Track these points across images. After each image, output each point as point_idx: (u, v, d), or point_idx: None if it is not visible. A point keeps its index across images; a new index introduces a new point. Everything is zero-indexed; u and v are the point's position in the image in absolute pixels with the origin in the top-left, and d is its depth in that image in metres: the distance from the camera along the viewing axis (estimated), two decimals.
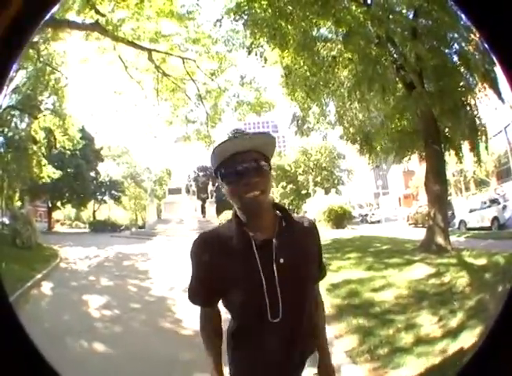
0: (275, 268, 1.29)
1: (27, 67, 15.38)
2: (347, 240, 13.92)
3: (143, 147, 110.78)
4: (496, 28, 0.74)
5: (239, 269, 1.30)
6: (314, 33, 10.26)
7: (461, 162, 11.43)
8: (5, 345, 0.77)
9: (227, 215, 20.58)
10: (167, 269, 10.06)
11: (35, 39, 12.84)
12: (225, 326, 1.47)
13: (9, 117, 18.10)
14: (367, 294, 5.95)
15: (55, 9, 10.27)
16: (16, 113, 18.47)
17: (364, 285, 6.43)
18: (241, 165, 1.30)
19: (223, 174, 1.34)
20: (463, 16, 6.12)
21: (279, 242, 1.34)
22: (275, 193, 42.45)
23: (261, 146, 1.36)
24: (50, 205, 32.83)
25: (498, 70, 7.29)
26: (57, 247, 15.17)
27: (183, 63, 15.61)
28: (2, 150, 18.72)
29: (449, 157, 10.94)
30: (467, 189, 28.71)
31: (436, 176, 9.55)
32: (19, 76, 15.95)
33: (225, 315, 1.45)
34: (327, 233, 17.14)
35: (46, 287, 8.22)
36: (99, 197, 40.85)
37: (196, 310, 1.48)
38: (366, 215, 36.04)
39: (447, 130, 10.50)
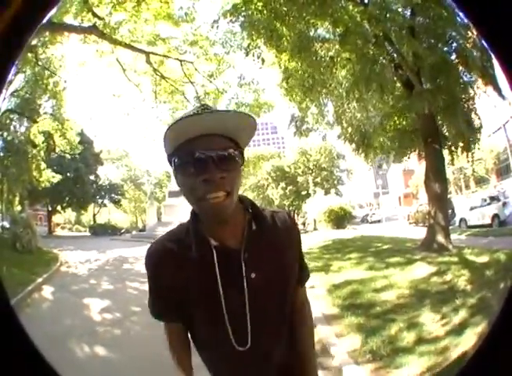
0: (245, 285, 1.05)
1: (25, 71, 15.43)
2: (348, 240, 13.92)
3: (143, 150, 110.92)
4: (494, 25, 0.73)
5: (195, 287, 1.07)
6: (311, 33, 10.29)
7: (455, 161, 11.46)
8: (6, 349, 0.77)
9: None
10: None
11: (33, 42, 12.85)
12: None
13: (7, 121, 18.13)
14: (369, 294, 5.94)
15: (52, 12, 10.28)
16: (15, 116, 18.50)
17: (365, 285, 6.42)
18: (201, 153, 0.97)
19: (177, 163, 1.03)
20: (460, 13, 6.13)
21: (249, 251, 1.07)
22: (275, 194, 42.43)
23: (233, 128, 1.02)
24: (50, 209, 32.90)
25: (496, 67, 7.32)
26: (57, 250, 15.20)
27: (181, 65, 15.62)
28: (1, 153, 18.75)
29: (449, 155, 10.93)
30: (467, 187, 28.81)
31: (436, 175, 9.56)
32: (17, 79, 16.02)
33: None
34: (328, 234, 17.13)
35: (47, 291, 8.22)
36: (99, 201, 40.96)
37: None
38: (367, 215, 36.08)
39: (445, 128, 10.51)
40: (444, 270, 6.61)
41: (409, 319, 4.55)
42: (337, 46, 9.87)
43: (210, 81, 16.14)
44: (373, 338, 4.10)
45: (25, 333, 0.81)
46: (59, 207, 33.37)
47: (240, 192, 1.10)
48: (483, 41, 0.95)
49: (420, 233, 11.61)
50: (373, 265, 7.95)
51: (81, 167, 30.72)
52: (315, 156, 42.75)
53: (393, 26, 8.89)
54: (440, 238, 9.06)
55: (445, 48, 9.63)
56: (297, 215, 38.56)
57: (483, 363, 0.75)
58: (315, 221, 26.95)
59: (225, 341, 1.05)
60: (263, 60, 10.58)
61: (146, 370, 3.90)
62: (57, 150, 19.00)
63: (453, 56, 9.59)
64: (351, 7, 9.21)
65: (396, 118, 10.88)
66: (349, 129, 12.99)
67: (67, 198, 31.50)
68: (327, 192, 33.32)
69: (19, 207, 22.06)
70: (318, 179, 40.94)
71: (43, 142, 18.37)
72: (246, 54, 10.55)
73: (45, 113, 18.22)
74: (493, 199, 15.63)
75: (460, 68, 9.47)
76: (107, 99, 42.31)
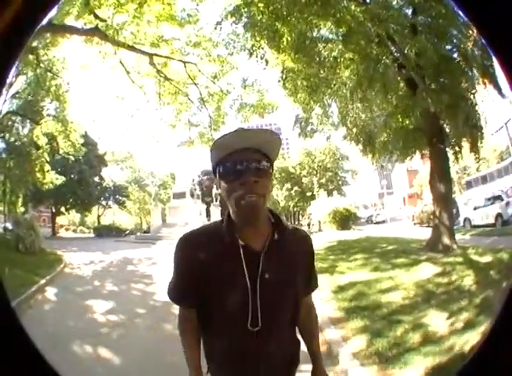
0: (258, 283, 1.23)
1: (26, 73, 15.48)
2: (353, 241, 13.88)
3: (147, 152, 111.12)
4: (494, 24, 0.73)
5: (225, 273, 1.25)
6: (314, 34, 10.27)
7: (459, 160, 11.41)
8: (7, 350, 0.76)
9: None
10: (172, 274, 9.94)
11: (35, 44, 12.90)
12: None
13: (10, 123, 18.20)
14: (374, 295, 5.92)
15: (53, 13, 10.31)
16: (18, 118, 18.56)
17: (371, 286, 6.40)
18: (241, 163, 1.21)
19: (221, 172, 1.26)
20: (460, 12, 6.11)
21: (268, 256, 1.26)
22: (280, 195, 42.48)
23: (265, 144, 1.26)
24: (54, 210, 32.99)
25: (497, 65, 7.30)
26: (61, 252, 15.20)
27: (185, 66, 15.66)
28: (4, 155, 18.83)
29: (453, 155, 10.89)
30: None
31: (441, 175, 9.52)
32: (19, 81, 16.07)
33: None
34: (333, 235, 17.10)
35: (50, 293, 8.22)
36: (104, 202, 41.12)
37: None
38: (371, 215, 36.03)
39: (449, 128, 10.47)
40: (449, 271, 6.59)
41: (415, 320, 4.54)
42: (340, 46, 9.85)
43: (214, 83, 16.18)
44: (379, 339, 4.08)
45: (26, 334, 0.81)
46: (63, 209, 33.50)
47: None
48: (483, 40, 0.94)
49: (424, 233, 11.57)
50: (378, 266, 7.93)
51: (85, 169, 30.85)
52: (320, 157, 42.84)
53: (395, 25, 8.88)
54: (445, 239, 9.02)
55: (448, 47, 9.61)
56: (302, 216, 38.58)
57: (484, 362, 0.75)
58: (319, 222, 26.93)
59: (240, 322, 1.24)
60: (267, 61, 10.57)
61: (149, 372, 3.90)
62: (61, 151, 19.05)
63: (455, 55, 9.58)
64: (353, 7, 9.18)
65: (400, 118, 10.83)
66: (354, 130, 12.96)
67: (71, 200, 31.61)
68: (331, 193, 33.22)
69: (22, 209, 22.15)
70: (323, 180, 40.97)
71: (46, 144, 18.43)
72: (250, 55, 10.55)
73: (48, 115, 18.29)
74: (496, 198, 15.57)
75: (463, 66, 9.44)
76: (111, 100, 42.43)
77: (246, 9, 9.89)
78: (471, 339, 3.58)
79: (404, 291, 5.83)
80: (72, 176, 28.85)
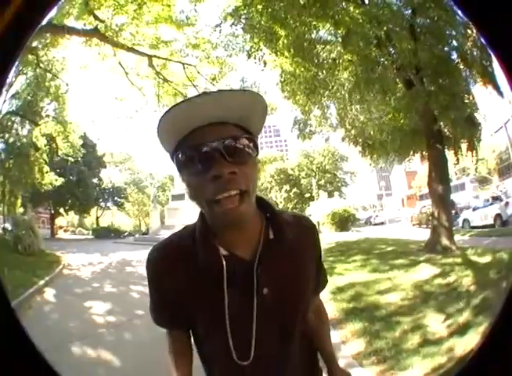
0: (255, 302, 0.92)
1: (26, 73, 15.45)
2: (352, 242, 13.87)
3: (146, 153, 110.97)
4: (494, 24, 0.73)
5: (198, 300, 0.95)
6: (313, 35, 10.29)
7: (458, 162, 11.45)
8: (7, 351, 0.76)
9: None
10: None
11: (34, 44, 12.89)
12: None
13: (9, 123, 18.15)
14: (373, 296, 5.92)
15: (53, 13, 10.31)
16: (17, 119, 18.51)
17: (370, 288, 6.40)
18: (207, 145, 0.83)
19: (180, 160, 0.88)
20: (459, 11, 6.13)
21: (264, 264, 0.93)
22: (279, 197, 42.42)
23: (242, 113, 0.87)
24: (53, 212, 32.89)
25: (496, 66, 7.31)
26: (60, 253, 15.17)
27: (184, 68, 15.64)
28: (3, 156, 18.77)
29: (453, 156, 10.91)
30: None
31: (439, 176, 9.52)
32: (19, 82, 16.03)
33: None
34: (332, 236, 17.10)
35: (49, 294, 8.20)
36: (102, 204, 40.94)
37: None
38: (370, 216, 36.01)
39: (447, 129, 10.48)
40: (448, 271, 6.60)
41: (414, 321, 4.54)
42: (339, 48, 9.87)
43: (213, 84, 16.14)
44: (378, 340, 4.09)
45: (26, 335, 0.81)
46: (61, 210, 33.39)
47: None
48: (482, 40, 0.94)
49: (423, 234, 11.57)
50: (377, 268, 7.93)
51: (84, 170, 30.75)
52: (319, 158, 42.80)
53: (394, 26, 8.89)
54: (444, 240, 9.02)
55: (446, 48, 9.63)
56: None
57: (484, 362, 0.74)
58: (318, 223, 26.92)
59: (226, 355, 0.92)
60: (265, 63, 10.61)
61: (148, 374, 3.90)
62: (60, 153, 19.00)
63: (454, 56, 9.61)
64: (352, 8, 9.20)
65: (398, 119, 10.84)
66: (352, 131, 12.99)
67: (70, 201, 31.51)
68: (330, 194, 33.25)
69: (21, 210, 22.09)
70: (321, 182, 40.94)
71: (46, 145, 18.39)
72: (248, 57, 10.57)
73: (48, 115, 18.24)
74: (495, 199, 15.56)
75: (462, 67, 9.46)
76: (110, 102, 42.43)
77: (244, 11, 9.91)
78: (471, 340, 3.58)
79: (403, 292, 5.84)
80: (71, 177, 28.74)
